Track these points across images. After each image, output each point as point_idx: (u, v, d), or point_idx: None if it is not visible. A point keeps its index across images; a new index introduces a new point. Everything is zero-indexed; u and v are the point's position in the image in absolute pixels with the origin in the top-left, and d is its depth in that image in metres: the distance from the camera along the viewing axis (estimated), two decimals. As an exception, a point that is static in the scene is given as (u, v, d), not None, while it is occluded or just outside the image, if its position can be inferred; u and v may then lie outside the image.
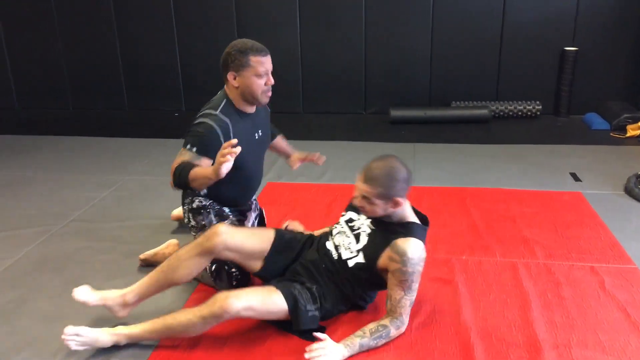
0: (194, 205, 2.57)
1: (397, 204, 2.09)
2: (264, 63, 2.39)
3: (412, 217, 2.20)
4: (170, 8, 5.54)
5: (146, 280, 2.22)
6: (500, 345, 2.11)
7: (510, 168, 4.02)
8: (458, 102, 5.39)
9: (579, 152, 4.36)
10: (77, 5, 5.65)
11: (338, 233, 2.30)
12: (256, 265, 2.29)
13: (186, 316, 2.02)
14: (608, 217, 3.16)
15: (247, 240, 2.25)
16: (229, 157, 2.00)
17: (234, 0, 5.41)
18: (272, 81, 2.44)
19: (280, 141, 3.00)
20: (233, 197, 2.63)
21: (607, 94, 5.26)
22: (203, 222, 2.54)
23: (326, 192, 3.61)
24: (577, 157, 4.23)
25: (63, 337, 2.01)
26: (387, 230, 2.15)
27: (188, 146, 2.31)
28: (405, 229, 2.13)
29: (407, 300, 2.10)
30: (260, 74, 2.38)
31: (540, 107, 5.32)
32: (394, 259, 2.06)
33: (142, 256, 2.69)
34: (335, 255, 2.24)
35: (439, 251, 2.82)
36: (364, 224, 2.24)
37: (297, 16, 5.40)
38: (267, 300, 2.06)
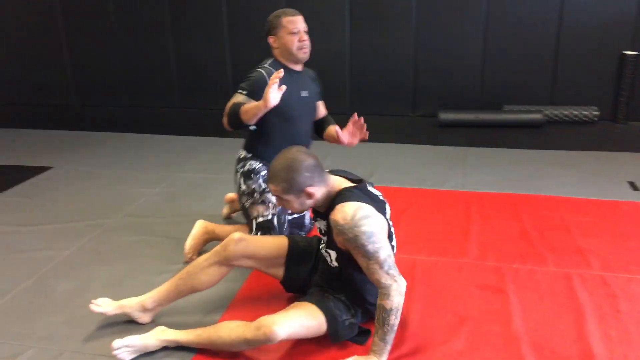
0: (246, 169, 2.76)
1: (310, 195, 2.00)
2: (295, 22, 2.66)
3: (340, 187, 2.07)
4: (223, 9, 5.63)
5: (165, 287, 2.25)
6: (552, 357, 2.05)
7: (565, 175, 3.90)
8: (510, 106, 5.27)
9: (637, 160, 4.18)
10: (134, 5, 5.81)
11: (322, 246, 2.27)
12: (278, 272, 2.31)
13: (230, 337, 2.01)
14: (669, 229, 3.03)
15: (262, 247, 2.27)
16: (274, 85, 2.30)
17: (284, 4, 5.46)
18: (305, 38, 2.67)
19: (334, 130, 2.92)
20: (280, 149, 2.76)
21: (670, 100, 5.04)
22: (253, 187, 2.73)
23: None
24: (635, 166, 4.06)
25: (113, 352, 2.02)
26: (327, 215, 2.06)
27: (239, 90, 2.60)
28: (334, 202, 2.02)
29: (375, 265, 1.92)
30: (292, 31, 2.64)
31: (597, 112, 5.14)
32: (336, 233, 1.97)
33: (186, 254, 2.74)
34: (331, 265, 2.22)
35: (488, 259, 2.76)
36: (323, 224, 2.19)
37: (347, 18, 5.39)
38: (309, 323, 2.04)
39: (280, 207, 2.70)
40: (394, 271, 1.96)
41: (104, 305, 2.22)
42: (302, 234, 2.90)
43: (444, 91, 5.45)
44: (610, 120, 5.22)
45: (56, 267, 2.76)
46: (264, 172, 2.73)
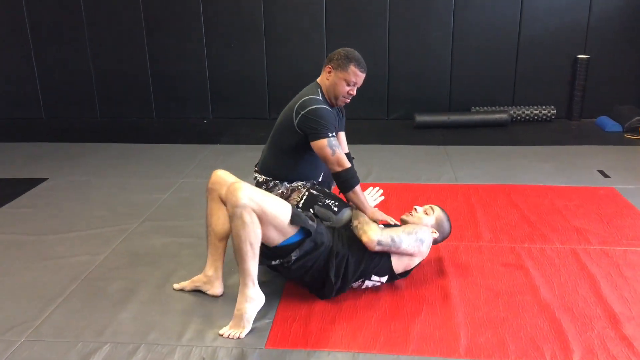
0: (269, 187, 2.81)
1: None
2: (358, 77, 2.70)
3: None
4: (200, 18, 5.73)
5: (209, 251, 2.54)
6: (583, 318, 2.35)
7: (542, 167, 4.30)
8: (477, 107, 5.68)
9: (599, 152, 4.66)
10: (107, 15, 5.80)
11: None
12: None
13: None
14: (645, 209, 3.45)
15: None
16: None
17: (262, 12, 5.64)
18: (354, 93, 2.75)
19: None
20: (305, 173, 2.86)
21: (617, 98, 5.60)
22: (279, 191, 2.77)
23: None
24: (599, 156, 4.52)
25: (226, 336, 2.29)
26: None
27: (330, 134, 2.61)
28: None
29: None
30: (349, 82, 2.69)
31: (554, 111, 5.63)
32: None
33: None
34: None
35: (501, 240, 3.06)
36: None
37: (323, 24, 5.63)
38: (275, 202, 2.28)
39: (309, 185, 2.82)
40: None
41: (180, 283, 2.60)
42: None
43: (415, 96, 5.79)
44: (565, 118, 5.74)
45: (98, 269, 2.81)
46: (284, 182, 2.82)
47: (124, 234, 3.21)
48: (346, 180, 2.63)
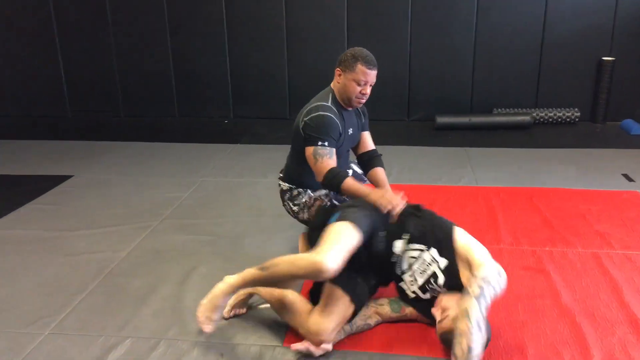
0: (293, 195, 2.82)
1: None
2: (367, 75, 2.60)
3: None
4: (223, 19, 5.78)
5: (248, 279, 2.21)
6: (604, 323, 2.33)
7: (564, 170, 4.25)
8: (499, 109, 5.63)
9: (623, 155, 4.59)
10: (132, 15, 5.88)
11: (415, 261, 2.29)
12: None
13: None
14: (670, 214, 3.38)
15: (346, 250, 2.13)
16: (390, 209, 2.35)
17: (284, 13, 5.67)
18: (367, 92, 2.65)
19: (381, 174, 2.89)
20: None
21: (642, 101, 5.52)
22: (303, 200, 2.78)
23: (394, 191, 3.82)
24: (623, 160, 4.46)
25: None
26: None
27: (319, 143, 2.56)
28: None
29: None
30: (359, 82, 2.60)
31: (578, 113, 5.56)
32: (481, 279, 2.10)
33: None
34: (410, 293, 2.30)
35: (522, 243, 3.04)
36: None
37: (344, 26, 5.64)
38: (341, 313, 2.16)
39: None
40: None
41: (210, 315, 2.23)
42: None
43: (436, 97, 5.76)
44: (590, 121, 5.66)
45: (119, 266, 2.86)
46: (308, 191, 2.82)
47: (145, 232, 3.26)
48: (328, 186, 2.57)
